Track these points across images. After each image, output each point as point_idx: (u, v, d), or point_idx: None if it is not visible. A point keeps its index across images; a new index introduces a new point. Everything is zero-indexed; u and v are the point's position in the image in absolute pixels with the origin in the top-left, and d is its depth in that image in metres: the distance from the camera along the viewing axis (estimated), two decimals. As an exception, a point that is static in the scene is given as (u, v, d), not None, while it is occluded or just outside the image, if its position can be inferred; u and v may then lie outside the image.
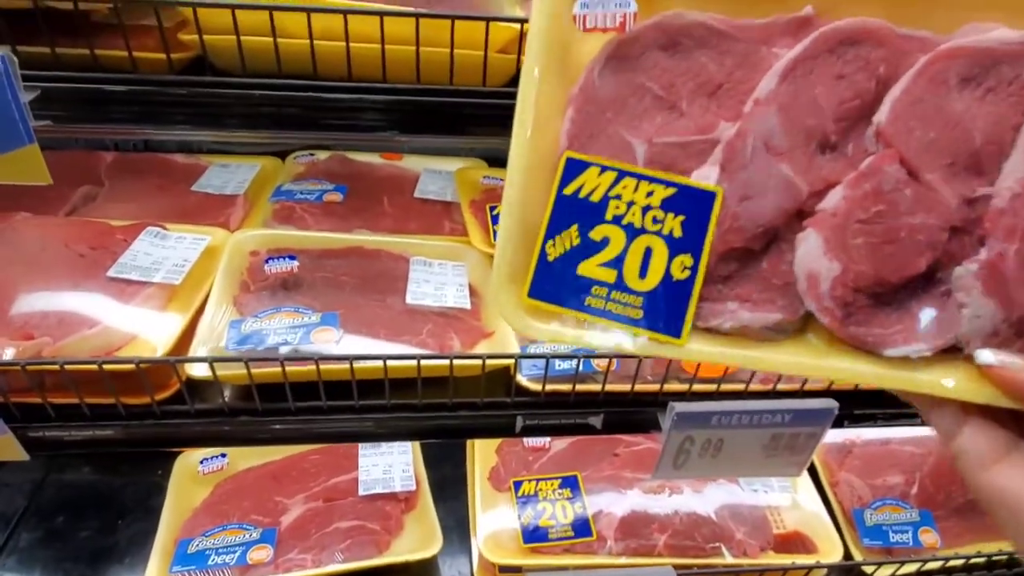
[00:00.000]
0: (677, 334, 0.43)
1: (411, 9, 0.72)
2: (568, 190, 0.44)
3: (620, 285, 0.43)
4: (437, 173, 1.30)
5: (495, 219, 1.05)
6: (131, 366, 0.72)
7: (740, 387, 0.85)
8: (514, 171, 0.43)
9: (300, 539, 1.01)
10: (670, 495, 1.13)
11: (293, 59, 0.73)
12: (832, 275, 0.43)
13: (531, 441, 1.20)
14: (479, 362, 0.79)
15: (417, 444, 1.21)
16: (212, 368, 0.74)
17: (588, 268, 0.43)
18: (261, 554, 0.98)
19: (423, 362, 0.77)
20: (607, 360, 0.82)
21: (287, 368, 0.75)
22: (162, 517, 1.01)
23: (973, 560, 1.08)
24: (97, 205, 1.12)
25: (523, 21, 0.76)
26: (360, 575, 0.99)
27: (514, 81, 0.80)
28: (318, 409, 0.80)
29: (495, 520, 1.08)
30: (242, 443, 0.81)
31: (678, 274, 0.43)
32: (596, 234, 0.43)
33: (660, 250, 0.43)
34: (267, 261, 0.95)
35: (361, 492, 1.08)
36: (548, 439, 1.21)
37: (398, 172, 1.31)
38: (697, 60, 0.46)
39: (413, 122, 0.81)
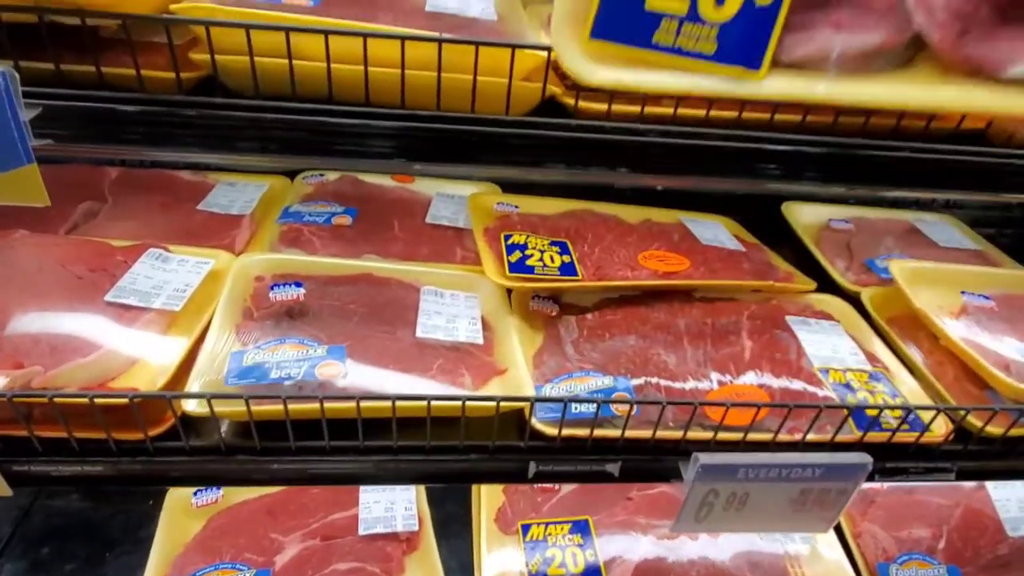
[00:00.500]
0: (757, 66, 0.39)
1: (434, 34, 0.69)
2: None
3: (693, 16, 0.39)
4: (450, 198, 1.26)
5: (510, 248, 1.02)
6: (124, 400, 0.68)
7: (768, 437, 0.80)
8: None
9: (295, 580, 0.96)
10: (686, 543, 1.08)
11: (308, 81, 0.70)
12: None
13: (539, 479, 1.15)
14: (493, 404, 0.75)
15: (420, 478, 1.16)
16: (210, 405, 0.70)
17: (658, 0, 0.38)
18: (253, 595, 0.93)
19: (433, 403, 0.73)
20: (627, 405, 0.78)
21: (289, 406, 0.71)
22: (152, 552, 0.96)
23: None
24: (99, 222, 1.09)
25: (549, 49, 0.73)
26: (357, 620, 0.94)
27: (536, 110, 0.77)
28: (320, 449, 0.75)
29: (501, 564, 1.02)
30: (238, 483, 0.77)
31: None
32: None
33: None
34: (272, 287, 0.91)
35: (361, 531, 1.02)
36: (557, 477, 1.16)
37: (409, 195, 1.27)
38: None
39: (429, 149, 0.78)
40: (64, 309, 0.81)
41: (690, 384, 0.88)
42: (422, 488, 1.14)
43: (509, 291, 1.00)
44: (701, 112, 0.75)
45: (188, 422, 0.73)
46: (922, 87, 0.40)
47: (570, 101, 0.74)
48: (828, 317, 1.04)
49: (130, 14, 0.65)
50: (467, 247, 1.12)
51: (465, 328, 0.92)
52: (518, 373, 0.86)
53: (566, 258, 1.02)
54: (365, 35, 0.67)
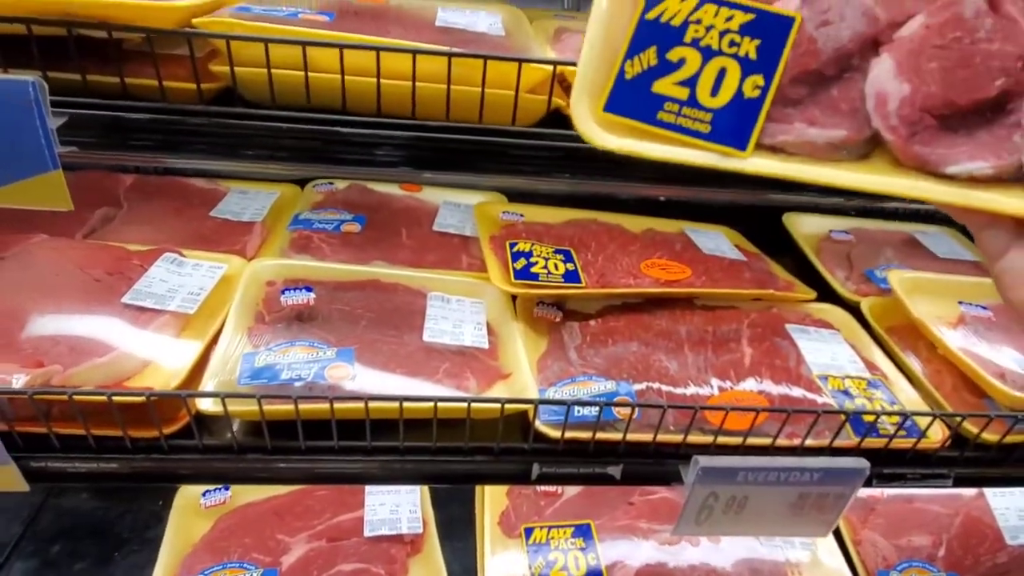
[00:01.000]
0: (743, 147, 0.47)
1: (444, 48, 0.72)
2: (651, 15, 0.47)
3: (692, 102, 0.47)
4: (456, 206, 1.29)
5: (515, 256, 1.04)
6: (141, 398, 0.70)
7: (766, 441, 0.82)
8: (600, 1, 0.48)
9: (301, 581, 0.97)
10: (687, 548, 1.09)
11: (322, 93, 0.73)
12: (901, 95, 0.46)
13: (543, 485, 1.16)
14: (497, 406, 0.77)
15: (425, 482, 1.17)
16: (224, 404, 0.72)
17: (663, 86, 0.47)
18: (260, 595, 0.95)
19: (439, 404, 0.75)
20: (629, 408, 0.80)
21: (300, 406, 0.73)
22: (160, 551, 0.98)
23: (1004, 630, 1.03)
24: (115, 227, 1.11)
25: (555, 63, 0.76)
26: (361, 621, 0.96)
27: (543, 122, 0.79)
28: (329, 449, 0.77)
29: (504, 567, 1.04)
30: (247, 481, 0.78)
31: (749, 92, 0.46)
32: (673, 55, 0.47)
33: (734, 71, 0.46)
34: (283, 292, 0.93)
35: (366, 533, 1.04)
36: (560, 483, 1.18)
37: (417, 204, 1.30)
38: None
39: (437, 159, 0.80)
40: (82, 311, 0.83)
41: (691, 390, 0.90)
42: (426, 490, 1.15)
43: (514, 297, 1.02)
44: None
45: (200, 422, 0.75)
46: (879, 176, 0.49)
47: (574, 113, 0.77)
48: (828, 326, 1.06)
49: (155, 28, 0.68)
50: (473, 254, 1.14)
51: (471, 333, 0.94)
52: (522, 377, 0.88)
53: (570, 266, 1.04)
54: (379, 49, 0.70)
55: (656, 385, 0.89)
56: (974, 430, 0.84)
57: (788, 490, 0.77)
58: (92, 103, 0.70)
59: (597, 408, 0.78)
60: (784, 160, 0.48)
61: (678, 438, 0.81)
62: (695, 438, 0.81)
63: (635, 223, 1.27)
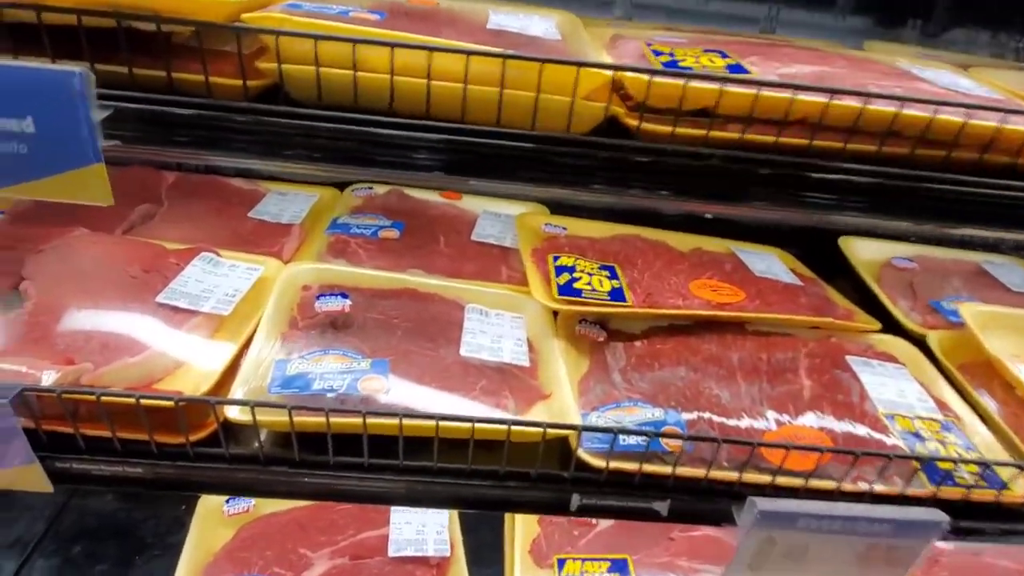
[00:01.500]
0: None
1: (499, 50, 0.69)
2: None
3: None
4: (496, 216, 1.25)
5: (558, 270, 0.99)
6: (169, 403, 0.67)
7: (830, 485, 0.75)
8: None
9: (321, 599, 0.93)
10: (728, 590, 1.02)
11: (370, 93, 0.70)
12: None
13: (575, 511, 1.10)
14: (538, 430, 0.72)
15: (452, 501, 1.12)
16: (253, 413, 0.68)
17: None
18: (279, 612, 0.91)
19: (477, 424, 0.71)
20: (680, 440, 0.74)
21: (331, 419, 0.69)
22: (181, 559, 0.95)
23: None
24: (154, 224, 1.11)
25: (615, 68, 0.71)
26: (381, 646, 0.91)
27: (596, 131, 0.75)
28: (358, 466, 0.73)
29: (533, 599, 0.98)
30: (271, 495, 0.75)
31: None
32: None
33: None
34: (319, 297, 0.90)
35: (391, 553, 1.00)
36: (594, 510, 1.11)
37: (456, 212, 1.27)
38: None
39: (480, 165, 0.77)
40: (117, 307, 0.82)
41: (744, 422, 0.83)
42: (455, 512, 1.11)
43: (555, 313, 0.97)
44: (770, 138, 0.72)
45: (227, 428, 0.72)
46: None
47: (633, 122, 0.72)
48: (892, 359, 0.98)
49: (204, 22, 0.66)
50: (513, 267, 1.10)
51: (511, 349, 0.89)
52: (563, 399, 0.83)
53: (615, 283, 0.99)
54: (431, 48, 0.66)
55: (707, 415, 0.83)
56: (1063, 484, 0.76)
57: (855, 540, 0.70)
58: (138, 96, 0.68)
59: (645, 438, 0.72)
60: None
61: (732, 475, 0.75)
62: (751, 476, 0.74)
63: (681, 241, 1.21)
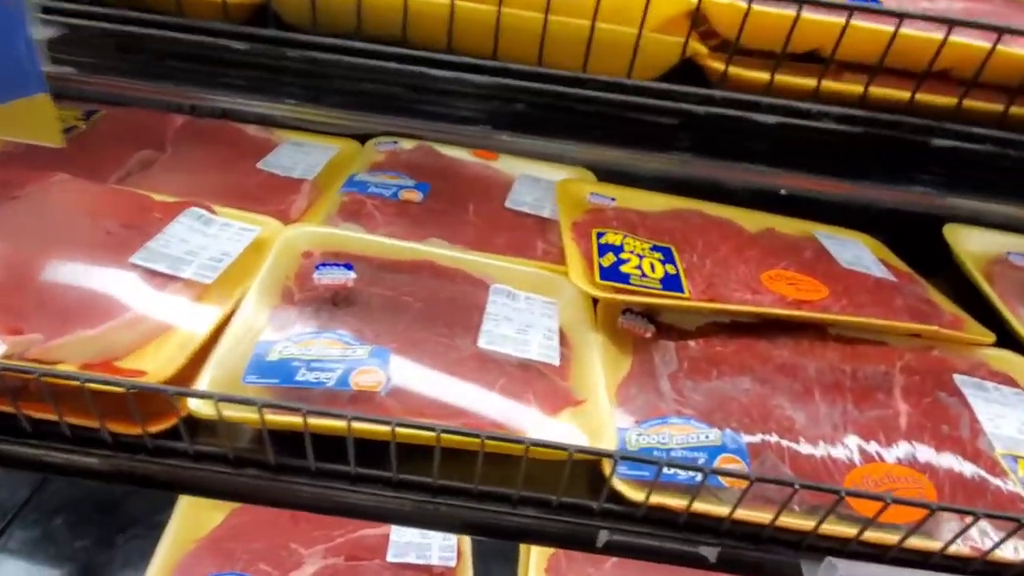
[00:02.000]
0: None
1: (543, -42, 0.52)
2: None
3: None
4: (535, 181, 1.09)
5: (602, 249, 0.83)
6: (119, 389, 0.56)
7: (933, 545, 0.59)
8: None
9: (311, 603, 0.84)
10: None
11: (377, 16, 0.55)
12: None
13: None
14: (564, 452, 0.58)
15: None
16: (217, 407, 0.56)
17: None
18: (263, 615, 0.82)
19: (487, 440, 0.57)
20: (744, 479, 0.58)
21: (310, 421, 0.57)
22: (159, 546, 0.87)
23: None
24: (152, 173, 1.00)
25: (697, -8, 0.54)
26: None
27: (667, 76, 0.58)
28: (344, 475, 0.61)
29: (548, 624, 0.86)
30: (244, 500, 0.64)
31: None
32: None
33: None
34: (319, 267, 0.77)
35: (390, 557, 0.89)
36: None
37: (490, 174, 1.11)
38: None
39: (518, 118, 0.62)
40: (84, 269, 0.70)
41: (821, 450, 0.67)
42: (466, 516, 0.99)
43: (595, 300, 0.82)
44: (904, 94, 0.54)
45: (195, 421, 0.61)
46: None
47: (717, 66, 0.55)
48: (1011, 382, 0.79)
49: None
50: (550, 241, 0.95)
51: (539, 342, 0.75)
52: (598, 407, 0.69)
53: (670, 268, 0.82)
54: (452, -46, 0.50)
55: (775, 439, 0.67)
56: None
57: (965, 627, 0.54)
58: (91, 12, 0.56)
59: (699, 474, 0.57)
60: None
61: (805, 524, 0.59)
62: (831, 528, 0.59)
63: (751, 220, 1.03)
